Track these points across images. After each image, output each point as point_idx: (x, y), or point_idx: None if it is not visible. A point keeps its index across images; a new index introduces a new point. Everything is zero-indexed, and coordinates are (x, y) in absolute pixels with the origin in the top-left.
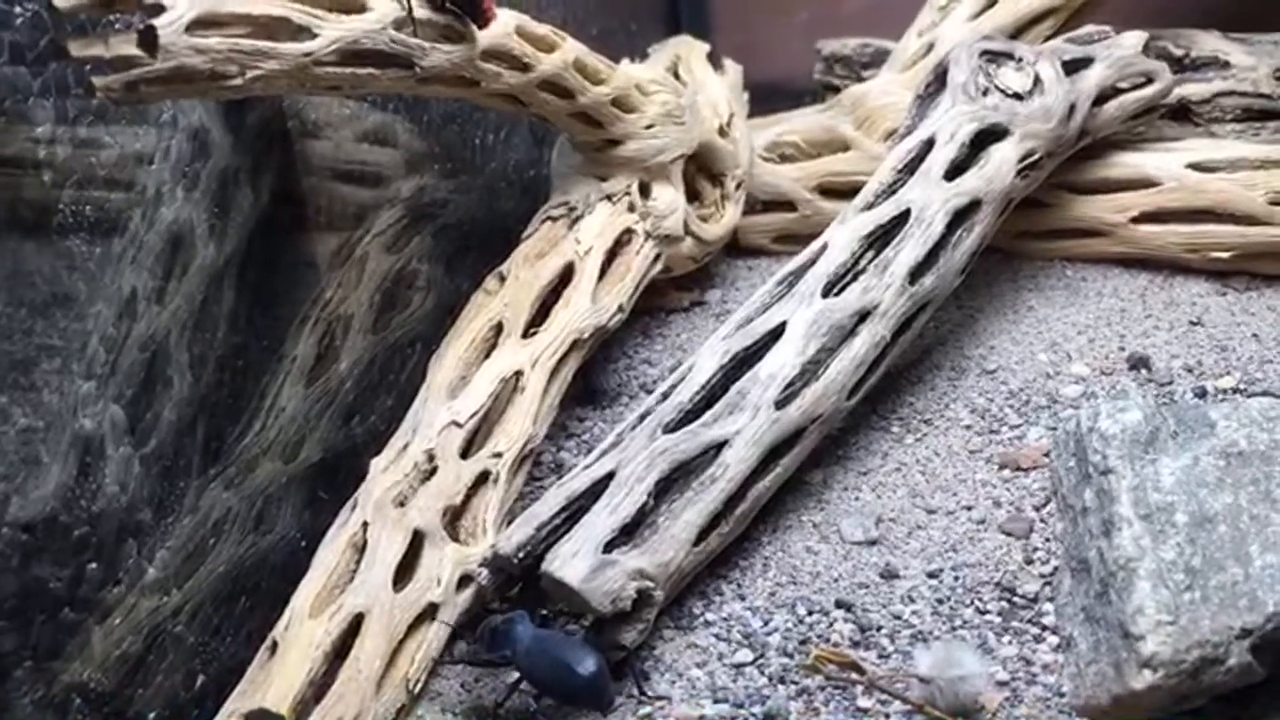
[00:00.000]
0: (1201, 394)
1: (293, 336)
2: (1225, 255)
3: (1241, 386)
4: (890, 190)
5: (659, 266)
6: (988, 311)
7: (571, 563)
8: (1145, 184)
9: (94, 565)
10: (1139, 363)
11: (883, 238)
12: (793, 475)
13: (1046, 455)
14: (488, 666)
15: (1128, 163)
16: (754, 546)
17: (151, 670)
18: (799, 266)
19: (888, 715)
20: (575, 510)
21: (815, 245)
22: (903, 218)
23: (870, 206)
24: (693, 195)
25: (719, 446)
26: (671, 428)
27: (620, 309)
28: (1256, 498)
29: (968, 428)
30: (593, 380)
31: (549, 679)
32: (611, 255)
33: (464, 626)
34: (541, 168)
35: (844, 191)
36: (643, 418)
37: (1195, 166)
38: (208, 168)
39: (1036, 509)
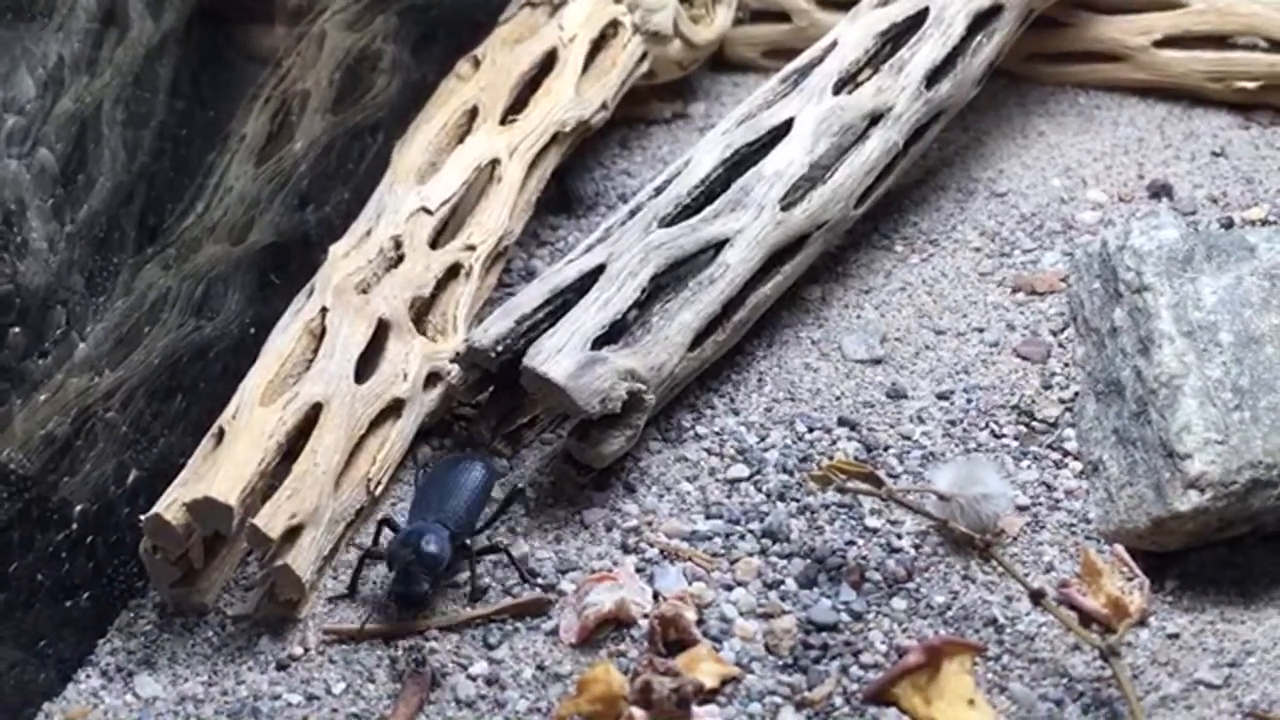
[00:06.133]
0: (1229, 224)
1: (242, 113)
2: (1251, 85)
3: (1271, 219)
4: None
5: (645, 66)
6: (995, 135)
7: (556, 358)
8: (1171, 5)
9: (17, 330)
10: (1160, 190)
11: (898, 38)
12: (789, 291)
13: (1064, 280)
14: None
15: None
16: (748, 361)
17: (79, 457)
18: (806, 64)
19: (899, 536)
20: (560, 304)
21: (823, 42)
22: (920, 17)
23: (885, 3)
24: None
25: (719, 245)
26: (668, 222)
27: (604, 106)
28: None
29: (977, 250)
30: (568, 186)
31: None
32: (596, 48)
33: (431, 431)
34: None
35: (845, 3)
36: (634, 213)
37: None
38: None
39: (1054, 333)
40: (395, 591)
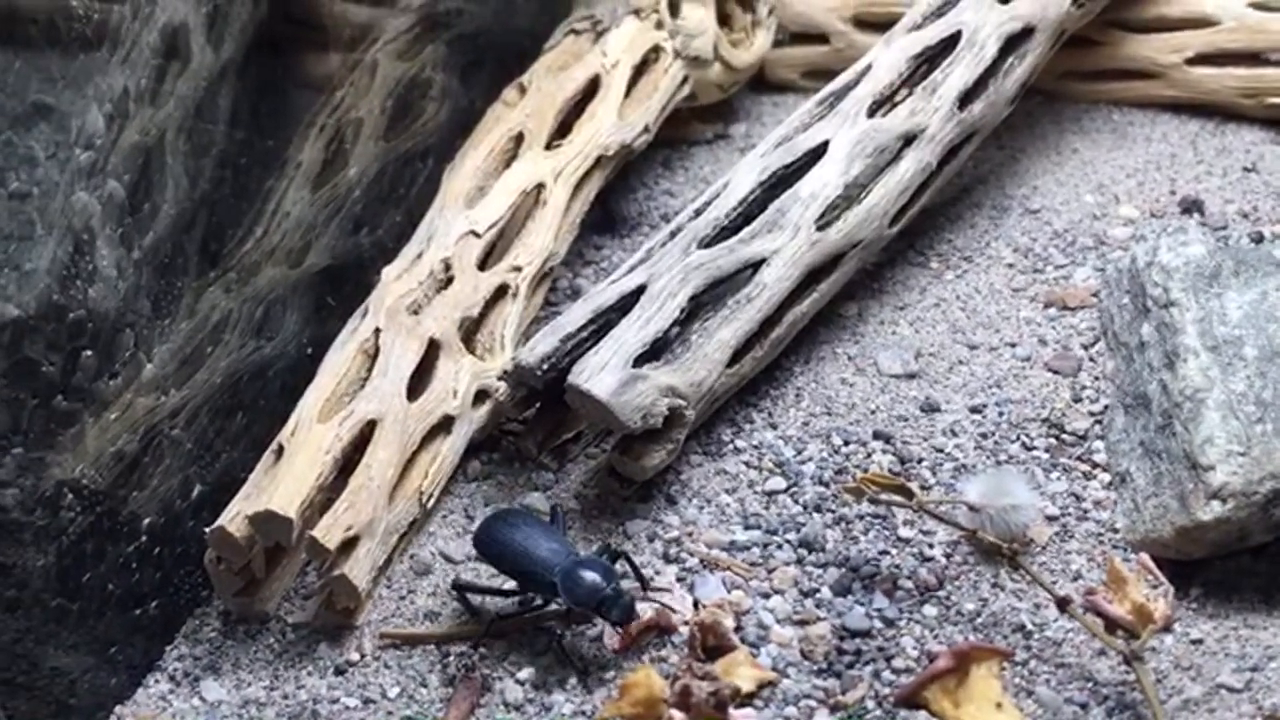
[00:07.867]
0: (1259, 239)
1: (298, 140)
2: None
3: None
4: (939, 12)
5: (686, 90)
6: (1030, 152)
7: (600, 376)
8: (1203, 23)
9: (89, 352)
10: (1191, 206)
11: (931, 60)
12: (826, 308)
13: (1095, 295)
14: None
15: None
16: (785, 377)
17: (147, 472)
18: (841, 87)
19: (931, 545)
20: (603, 324)
21: (858, 66)
22: (953, 40)
23: (918, 27)
24: (722, 20)
25: (756, 265)
26: (707, 243)
27: (646, 129)
28: None
29: (1010, 266)
30: (611, 207)
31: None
32: (638, 73)
33: (480, 445)
34: None
35: (882, 24)
36: (674, 234)
37: (1257, 5)
38: None
39: (1085, 348)
40: (615, 618)
